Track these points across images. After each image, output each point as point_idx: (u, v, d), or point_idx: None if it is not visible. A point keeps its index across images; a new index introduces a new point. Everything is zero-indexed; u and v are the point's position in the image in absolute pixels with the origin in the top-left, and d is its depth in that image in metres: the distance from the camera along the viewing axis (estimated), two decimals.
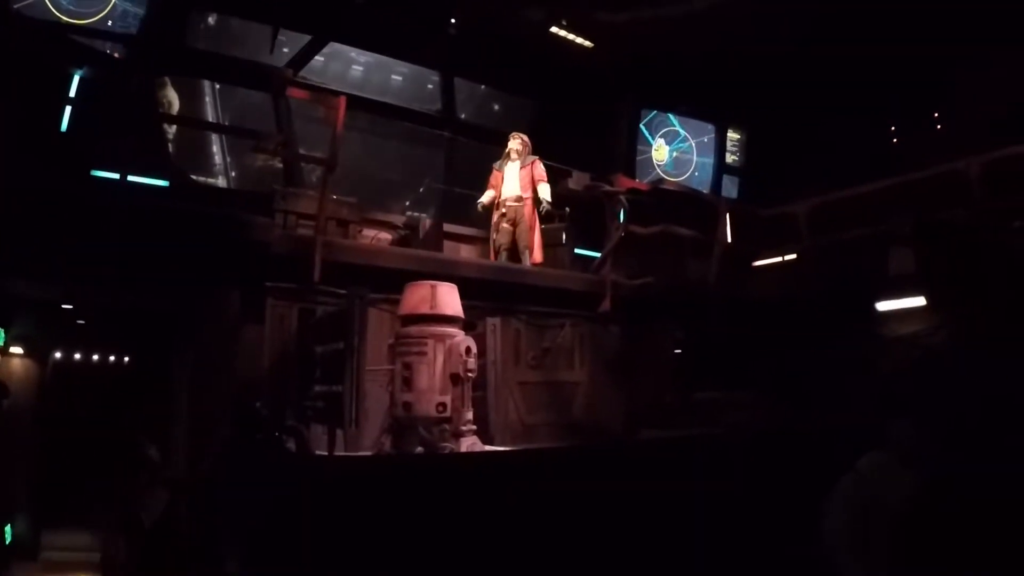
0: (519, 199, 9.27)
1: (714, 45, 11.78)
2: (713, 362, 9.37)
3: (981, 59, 11.15)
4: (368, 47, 12.14)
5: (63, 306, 8.83)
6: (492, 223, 9.46)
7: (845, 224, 9.75)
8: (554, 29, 11.55)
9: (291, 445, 6.53)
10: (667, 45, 11.84)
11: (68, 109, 8.59)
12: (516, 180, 9.34)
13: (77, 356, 11.14)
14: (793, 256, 10.53)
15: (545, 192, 9.26)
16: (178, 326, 8.26)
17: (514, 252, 9.28)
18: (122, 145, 7.58)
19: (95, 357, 11.38)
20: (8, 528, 8.78)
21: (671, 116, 13.70)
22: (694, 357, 9.80)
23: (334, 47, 11.76)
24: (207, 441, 6.68)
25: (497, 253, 9.33)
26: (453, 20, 11.45)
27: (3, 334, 8.62)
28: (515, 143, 9.49)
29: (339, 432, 6.78)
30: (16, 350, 9.38)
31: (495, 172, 9.57)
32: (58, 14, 8.92)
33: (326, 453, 6.71)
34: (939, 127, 12.36)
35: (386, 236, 8.99)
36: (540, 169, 9.36)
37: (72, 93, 8.51)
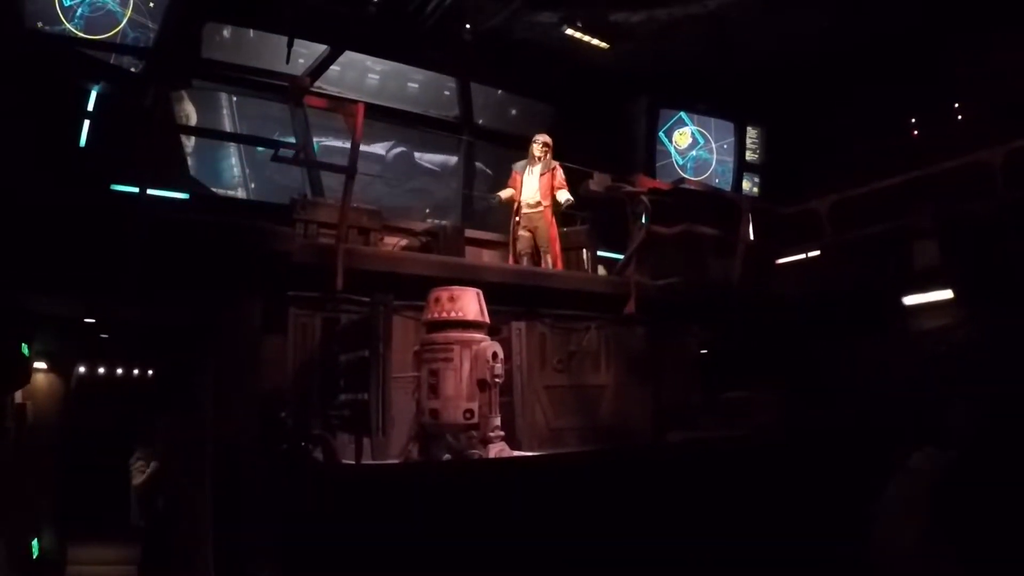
0: (538, 204, 9.25)
1: (730, 42, 11.71)
2: (739, 361, 9.30)
3: (982, 43, 11.00)
4: (384, 55, 12.12)
5: (86, 321, 8.82)
6: (511, 229, 9.43)
7: (868, 219, 9.64)
8: (569, 31, 11.50)
9: (318, 454, 6.50)
10: (683, 44, 11.78)
11: (86, 124, 8.66)
12: (536, 186, 9.32)
13: (101, 370, 11.16)
14: (816, 253, 10.42)
15: (563, 196, 9.24)
16: (201, 338, 8.24)
17: (535, 259, 9.27)
18: (141, 159, 7.57)
19: (119, 371, 11.40)
20: (35, 543, 8.80)
21: (689, 118, 13.61)
22: (719, 357, 9.72)
23: (350, 56, 11.73)
24: (232, 452, 6.66)
25: (518, 259, 9.30)
26: (468, 26, 11.43)
27: (27, 349, 8.62)
28: (537, 146, 9.47)
29: (366, 440, 6.73)
30: (40, 365, 9.40)
31: (514, 174, 9.55)
32: (74, 30, 8.93)
33: (353, 462, 6.67)
34: (959, 117, 12.20)
35: (407, 243, 8.97)
36: (560, 176, 9.35)
37: (90, 108, 8.57)
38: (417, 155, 13.53)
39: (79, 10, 8.93)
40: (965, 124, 11.91)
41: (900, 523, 2.94)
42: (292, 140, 10.55)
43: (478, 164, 12.87)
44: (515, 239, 9.40)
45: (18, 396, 8.82)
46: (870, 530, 2.99)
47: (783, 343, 8.88)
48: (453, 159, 13.11)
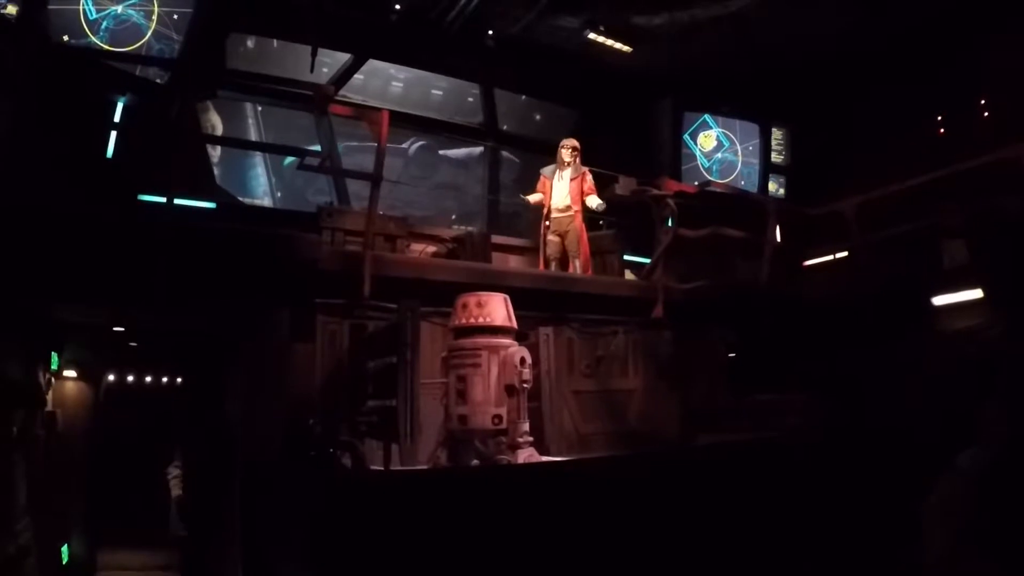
0: (567, 209, 9.25)
1: (753, 43, 11.64)
2: (767, 364, 9.23)
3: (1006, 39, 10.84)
4: (407, 63, 12.18)
5: (114, 329, 8.90)
6: (540, 233, 9.43)
7: (896, 219, 9.53)
8: (591, 35, 11.48)
9: (346, 460, 6.50)
10: (706, 46, 11.73)
11: (113, 135, 8.74)
12: (565, 191, 9.34)
13: (130, 378, 11.26)
14: (844, 254, 10.32)
15: (594, 202, 9.24)
16: (229, 346, 8.29)
17: (564, 263, 9.28)
18: (167, 169, 7.64)
19: (147, 379, 11.50)
20: (65, 548, 8.89)
21: (713, 121, 13.54)
22: (748, 359, 9.65)
23: (373, 64, 11.81)
24: (261, 458, 6.69)
25: (547, 264, 9.30)
26: (490, 32, 11.44)
27: (56, 358, 8.72)
28: (566, 151, 9.46)
29: (394, 447, 6.73)
30: (70, 373, 9.50)
31: (543, 178, 9.56)
32: (100, 43, 9.03)
33: (382, 468, 6.66)
34: (985, 114, 12.04)
35: (435, 250, 8.99)
36: (590, 181, 9.36)
37: (117, 120, 8.65)
38: (440, 150, 13.57)
39: (104, 23, 9.03)
40: (991, 121, 11.75)
41: (943, 524, 2.90)
42: (317, 148, 10.59)
43: (504, 153, 12.87)
44: (545, 243, 9.40)
45: (48, 404, 8.93)
46: (918, 532, 2.94)
47: (812, 345, 8.79)
48: (477, 150, 13.14)
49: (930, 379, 7.02)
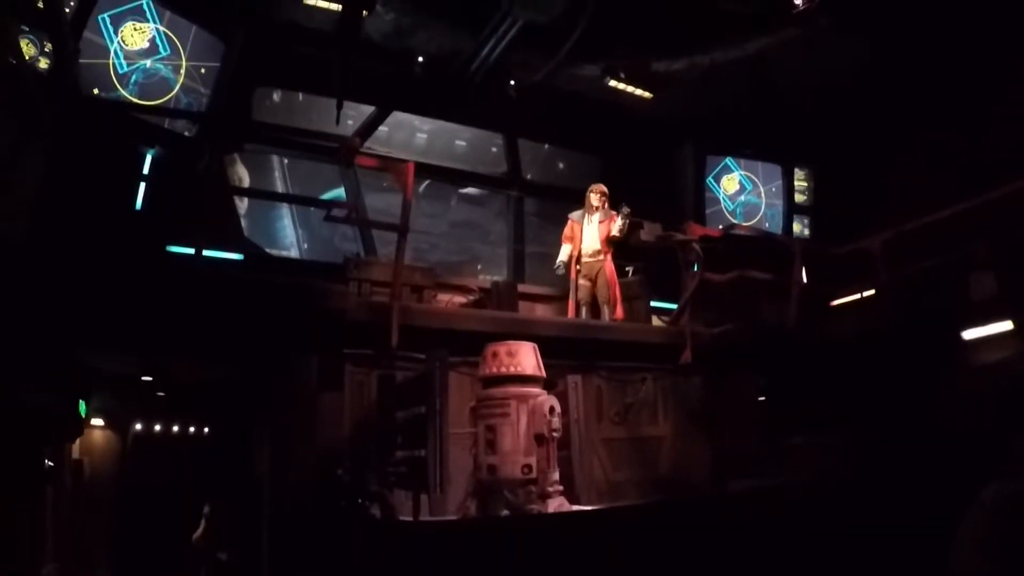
0: (597, 253, 9.29)
1: (772, 84, 11.70)
2: (798, 406, 9.13)
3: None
4: (431, 114, 12.33)
5: (143, 379, 8.97)
6: (571, 278, 9.46)
7: (922, 254, 9.45)
8: (612, 83, 11.58)
9: (375, 511, 6.48)
10: (726, 89, 11.80)
11: (142, 187, 8.89)
12: (595, 235, 9.41)
13: (157, 427, 11.31)
14: (871, 292, 10.22)
15: (616, 227, 9.27)
16: (257, 396, 8.33)
17: (595, 307, 9.26)
18: (196, 220, 7.75)
19: (175, 428, 11.54)
20: None
21: (735, 164, 13.56)
22: (778, 402, 9.55)
23: (397, 116, 11.97)
24: (289, 509, 6.66)
25: (578, 308, 9.31)
26: (512, 82, 11.58)
27: (84, 406, 8.80)
28: (595, 195, 9.55)
29: (423, 497, 6.69)
30: (97, 422, 9.57)
31: (572, 223, 9.63)
32: (129, 96, 9.22)
33: (411, 518, 6.62)
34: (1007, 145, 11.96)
35: (461, 300, 9.03)
36: (618, 223, 9.37)
37: (146, 171, 8.81)
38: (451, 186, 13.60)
39: (134, 77, 9.20)
40: (1012, 152, 11.68)
41: (970, 560, 2.83)
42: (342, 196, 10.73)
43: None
44: (576, 288, 9.41)
45: (75, 452, 8.99)
46: (948, 569, 2.88)
47: (842, 384, 8.70)
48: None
49: (962, 414, 6.91)
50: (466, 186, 13.55)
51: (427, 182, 13.26)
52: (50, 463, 8.31)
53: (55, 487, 7.92)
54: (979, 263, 8.62)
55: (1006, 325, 8.19)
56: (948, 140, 12.00)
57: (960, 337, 8.48)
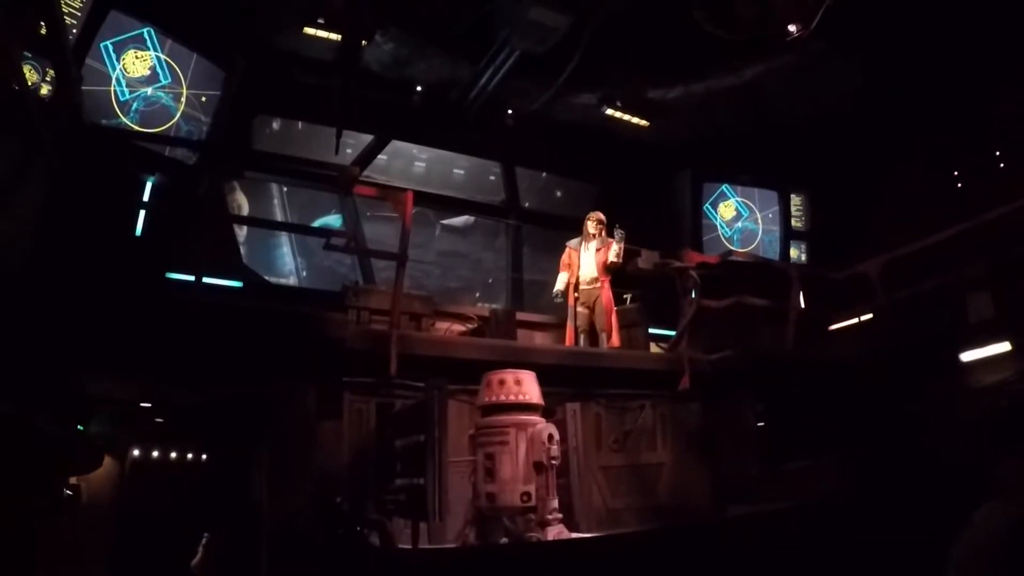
0: (594, 281, 9.33)
1: (767, 111, 11.80)
2: (796, 431, 9.12)
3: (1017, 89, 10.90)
4: (429, 143, 12.42)
5: (141, 404, 8.96)
6: (569, 305, 9.48)
7: (919, 277, 9.49)
8: (609, 111, 11.68)
9: (374, 539, 6.46)
10: (721, 116, 11.90)
11: (142, 214, 8.93)
12: (592, 262, 9.44)
13: (155, 453, 11.26)
14: (869, 316, 10.24)
15: (611, 253, 9.30)
16: (256, 423, 8.32)
17: (593, 335, 9.29)
18: (195, 248, 7.78)
19: (173, 454, 11.49)
20: None
21: (732, 191, 13.64)
22: (777, 427, 9.54)
23: (396, 145, 12.06)
24: (287, 537, 6.64)
25: (576, 336, 9.33)
26: (510, 111, 11.68)
27: (82, 431, 8.79)
28: (592, 223, 9.60)
29: (422, 525, 6.67)
30: None
31: (569, 250, 9.67)
32: (130, 124, 9.29)
33: (410, 546, 6.61)
34: (1001, 165, 12.03)
35: (459, 328, 9.04)
36: (615, 249, 9.41)
37: (146, 198, 8.85)
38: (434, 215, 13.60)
39: (135, 104, 9.28)
40: (1007, 171, 11.74)
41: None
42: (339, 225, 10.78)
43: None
44: (575, 315, 9.44)
45: (72, 478, 8.96)
46: None
47: (840, 409, 8.70)
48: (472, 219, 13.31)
49: (961, 436, 6.92)
50: (449, 216, 13.62)
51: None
52: (69, 492, 8.32)
53: (70, 516, 7.92)
54: (976, 284, 8.66)
55: (1004, 346, 8.22)
56: (942, 160, 12.09)
57: (958, 359, 8.50)
